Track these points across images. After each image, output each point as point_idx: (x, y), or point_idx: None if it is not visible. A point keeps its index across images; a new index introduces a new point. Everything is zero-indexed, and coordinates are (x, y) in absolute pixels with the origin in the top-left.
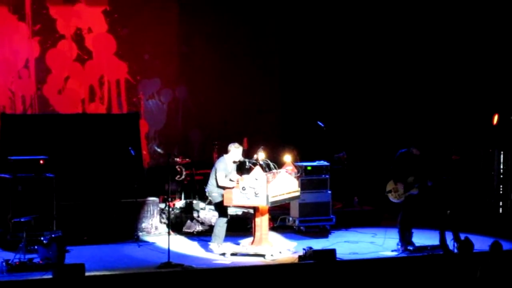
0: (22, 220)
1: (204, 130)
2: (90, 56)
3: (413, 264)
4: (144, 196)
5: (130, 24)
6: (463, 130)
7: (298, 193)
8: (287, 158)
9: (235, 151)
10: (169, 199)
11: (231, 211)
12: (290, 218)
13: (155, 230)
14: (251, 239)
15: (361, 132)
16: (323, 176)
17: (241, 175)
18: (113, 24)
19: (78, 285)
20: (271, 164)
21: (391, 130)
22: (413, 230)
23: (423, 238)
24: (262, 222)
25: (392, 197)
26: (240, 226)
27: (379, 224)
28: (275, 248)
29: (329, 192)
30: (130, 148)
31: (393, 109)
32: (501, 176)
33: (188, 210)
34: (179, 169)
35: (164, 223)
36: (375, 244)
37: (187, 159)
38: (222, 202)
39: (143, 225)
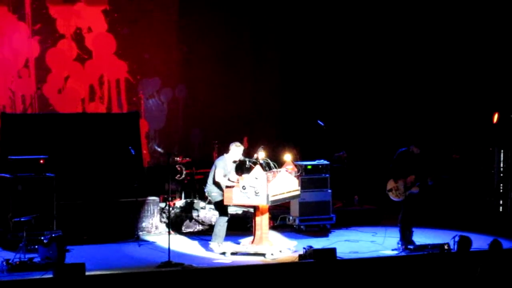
0: (22, 219)
1: (204, 129)
2: (90, 55)
3: (414, 263)
4: (144, 196)
5: (130, 24)
6: (463, 128)
7: (298, 192)
8: (287, 157)
9: (236, 150)
10: (169, 199)
11: (231, 210)
12: (290, 217)
13: (155, 230)
14: (251, 238)
15: (361, 131)
16: (323, 175)
17: (241, 174)
18: (113, 24)
19: (78, 284)
20: (271, 163)
21: (391, 129)
22: (414, 229)
23: (424, 237)
24: (262, 221)
25: (392, 196)
26: (240, 225)
27: (379, 223)
28: (275, 247)
29: (329, 191)
30: (130, 147)
31: (393, 108)
32: (501, 175)
33: (188, 210)
34: (179, 168)
35: (164, 222)
36: (375, 243)
37: (187, 158)
38: (222, 201)
39: (143, 224)
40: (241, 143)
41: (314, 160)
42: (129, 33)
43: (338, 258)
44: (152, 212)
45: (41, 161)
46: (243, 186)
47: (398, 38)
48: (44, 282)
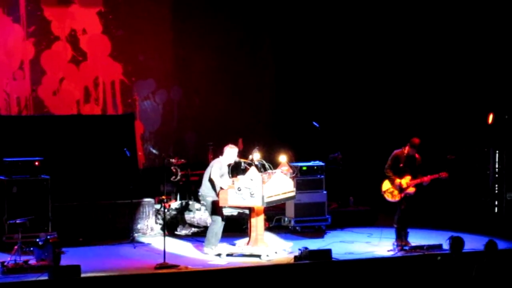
0: (17, 221)
1: (199, 131)
2: (85, 57)
3: (409, 264)
4: (139, 197)
5: (124, 25)
6: (458, 129)
7: (293, 194)
8: (282, 158)
9: (230, 152)
10: (165, 200)
11: (226, 211)
12: (286, 219)
13: (150, 231)
14: (246, 239)
15: (356, 132)
16: (319, 176)
17: (236, 176)
18: (108, 25)
19: (74, 286)
20: (267, 165)
21: (386, 130)
22: (409, 230)
23: (419, 238)
24: (257, 223)
25: (388, 197)
26: (236, 227)
27: (375, 224)
28: (270, 248)
29: (325, 192)
30: (125, 149)
31: (388, 109)
32: (496, 176)
33: (183, 211)
34: (174, 170)
35: (160, 224)
36: (370, 244)
37: (182, 160)
38: (217, 203)
39: (139, 226)
40: (236, 144)
41: (309, 161)
42: (123, 35)
43: (333, 259)
44: (147, 213)
45: (36, 163)
46: (238, 188)
47: (393, 38)
48: (39, 284)
